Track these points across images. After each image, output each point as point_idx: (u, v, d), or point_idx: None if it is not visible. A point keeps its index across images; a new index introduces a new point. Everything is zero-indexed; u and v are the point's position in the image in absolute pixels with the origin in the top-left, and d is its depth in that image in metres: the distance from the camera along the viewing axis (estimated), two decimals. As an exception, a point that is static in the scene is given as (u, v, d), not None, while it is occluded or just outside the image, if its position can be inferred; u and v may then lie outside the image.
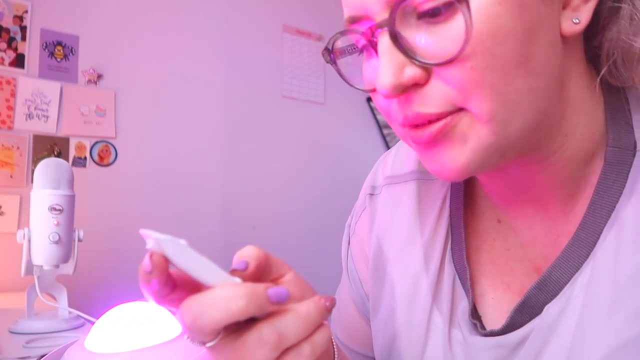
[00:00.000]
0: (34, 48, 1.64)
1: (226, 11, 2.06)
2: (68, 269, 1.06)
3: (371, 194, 0.57)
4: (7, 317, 1.06)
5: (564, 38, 0.37)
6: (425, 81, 0.36)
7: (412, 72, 0.35)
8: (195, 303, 0.31)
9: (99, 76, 1.75)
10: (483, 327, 0.44)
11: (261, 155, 2.12)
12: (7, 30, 1.60)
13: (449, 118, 0.36)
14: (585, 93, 0.41)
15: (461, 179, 0.39)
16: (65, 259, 1.02)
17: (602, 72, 0.40)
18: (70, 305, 1.06)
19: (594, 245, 0.39)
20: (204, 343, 0.33)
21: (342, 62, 0.42)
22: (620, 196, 0.39)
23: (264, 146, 2.12)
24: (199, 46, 1.98)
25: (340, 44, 0.42)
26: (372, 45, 0.37)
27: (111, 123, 1.77)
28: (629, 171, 0.39)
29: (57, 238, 0.98)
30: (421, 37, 0.35)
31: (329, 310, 0.35)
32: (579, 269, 0.40)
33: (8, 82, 1.59)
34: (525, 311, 0.42)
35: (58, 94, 1.67)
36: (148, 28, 1.86)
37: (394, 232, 0.53)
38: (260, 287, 0.32)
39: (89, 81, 1.74)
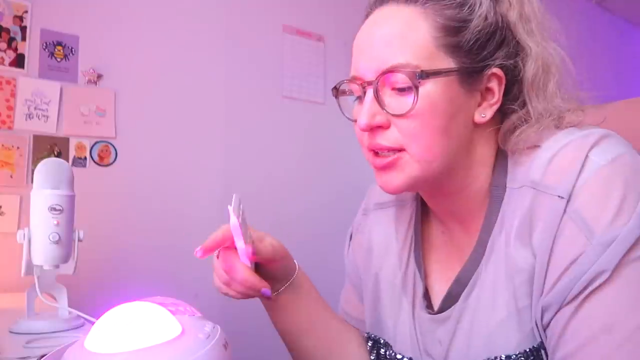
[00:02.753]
0: (34, 48, 1.64)
1: (226, 11, 2.06)
2: (68, 269, 1.06)
3: (364, 214, 0.82)
4: (7, 317, 1.06)
5: (475, 123, 0.60)
6: (387, 126, 0.58)
7: (379, 118, 0.58)
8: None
9: (99, 76, 1.75)
10: (431, 305, 0.67)
11: (261, 155, 2.11)
12: (7, 30, 1.60)
13: (396, 155, 0.58)
14: (488, 153, 0.62)
15: (396, 193, 0.65)
16: (65, 259, 1.02)
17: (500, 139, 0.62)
18: (70, 305, 1.06)
19: (484, 253, 0.60)
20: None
21: (341, 99, 0.66)
22: (496, 220, 0.59)
23: (264, 146, 2.12)
24: (199, 46, 1.98)
25: (343, 87, 0.65)
26: (362, 94, 0.59)
27: (111, 123, 1.77)
28: (502, 202, 0.60)
29: (57, 238, 0.98)
30: (390, 99, 0.57)
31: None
32: (477, 268, 0.60)
33: (8, 82, 1.59)
34: (450, 299, 0.63)
35: (58, 94, 1.67)
36: (148, 28, 1.86)
37: (379, 241, 0.76)
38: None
39: (89, 81, 1.73)
